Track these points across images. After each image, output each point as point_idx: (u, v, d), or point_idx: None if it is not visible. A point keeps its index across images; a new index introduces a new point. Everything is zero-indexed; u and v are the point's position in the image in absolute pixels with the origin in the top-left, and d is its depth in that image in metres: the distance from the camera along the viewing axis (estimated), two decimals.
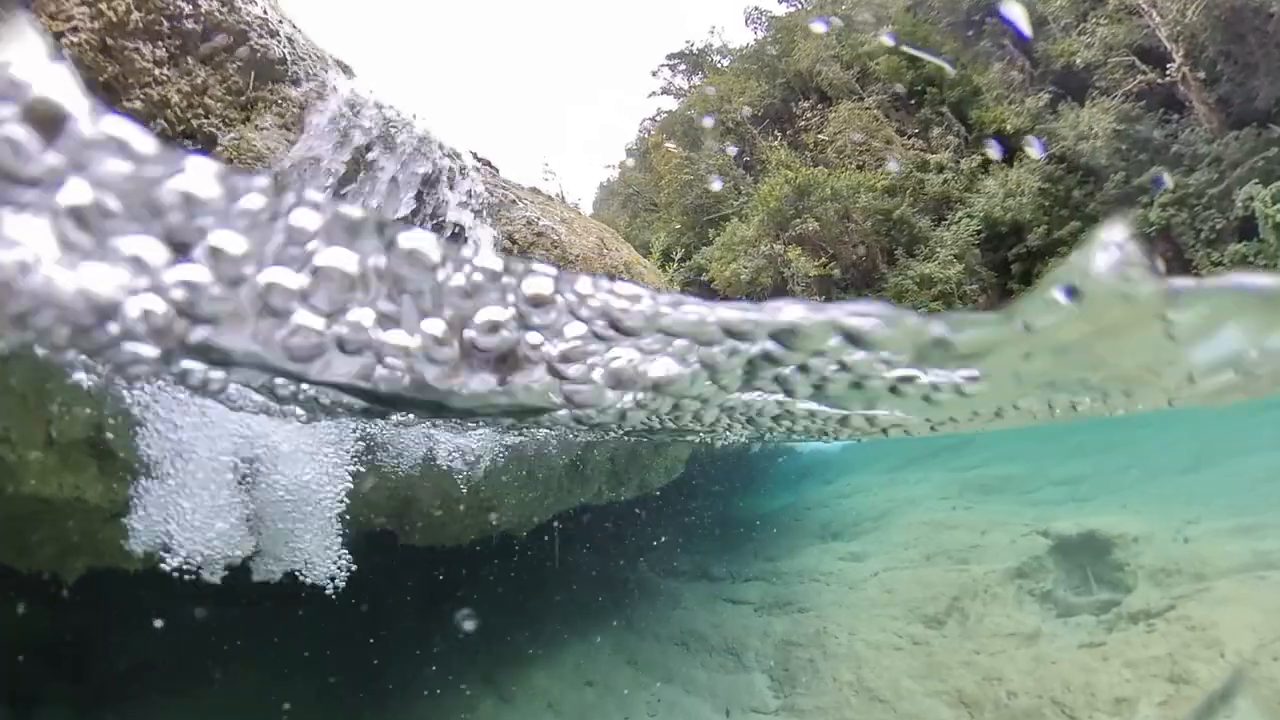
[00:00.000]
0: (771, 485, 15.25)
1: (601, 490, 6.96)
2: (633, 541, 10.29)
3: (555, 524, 7.31)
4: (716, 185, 30.56)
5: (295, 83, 4.51)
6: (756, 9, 35.32)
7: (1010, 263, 26.12)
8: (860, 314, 2.00)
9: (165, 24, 3.85)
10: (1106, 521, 8.65)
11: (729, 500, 13.45)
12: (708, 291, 27.74)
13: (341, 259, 1.60)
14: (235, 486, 3.64)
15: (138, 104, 3.76)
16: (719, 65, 36.82)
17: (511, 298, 1.79)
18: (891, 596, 7.47)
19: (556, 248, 5.52)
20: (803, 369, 2.26)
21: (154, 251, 1.50)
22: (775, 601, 8.23)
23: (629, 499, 7.60)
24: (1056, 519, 9.46)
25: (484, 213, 4.95)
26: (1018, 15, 26.84)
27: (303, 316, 1.69)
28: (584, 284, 1.84)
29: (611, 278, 1.88)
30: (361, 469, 4.26)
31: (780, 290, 25.82)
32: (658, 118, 38.34)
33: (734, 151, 32.12)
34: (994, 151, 25.87)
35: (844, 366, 2.25)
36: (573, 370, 2.09)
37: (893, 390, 2.46)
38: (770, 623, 7.70)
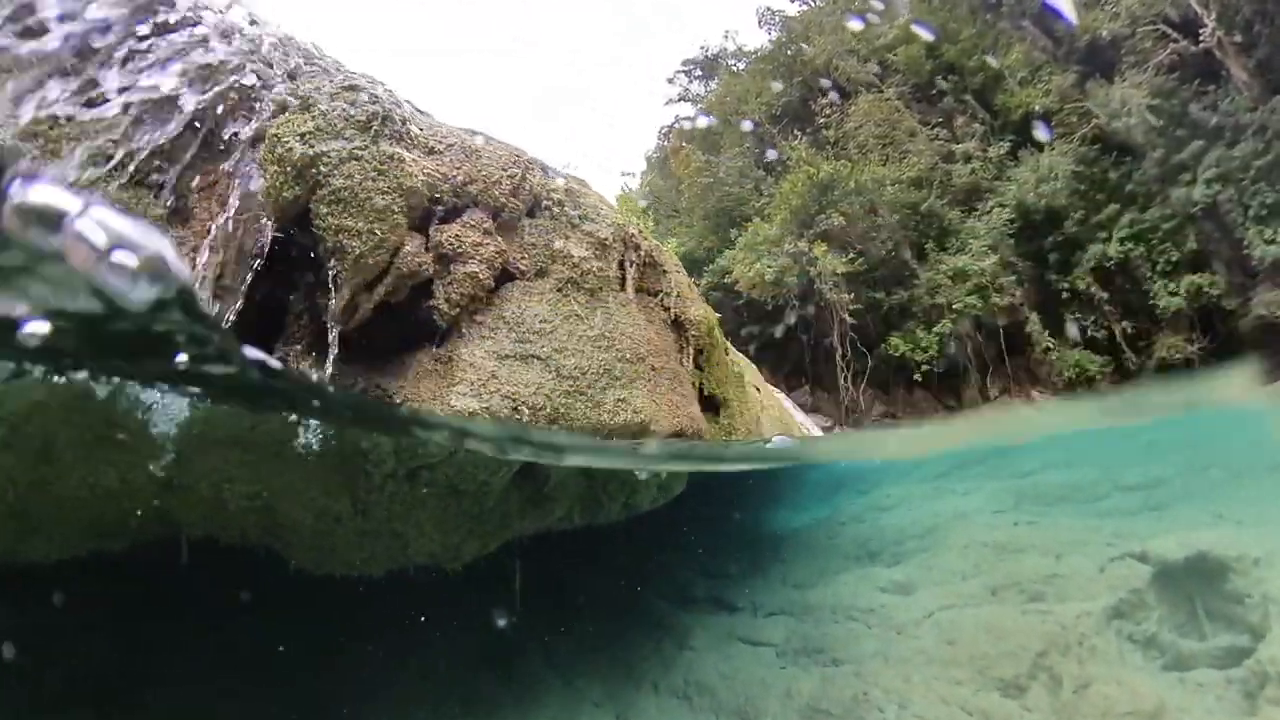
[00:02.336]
0: (802, 498, 13.39)
1: (573, 513, 5.35)
2: (634, 565, 8.64)
3: (518, 550, 5.75)
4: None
5: None
6: (769, 9, 33.56)
7: (1047, 252, 23.75)
8: None
9: None
10: (1211, 538, 6.69)
11: (755, 514, 11.68)
12: (732, 294, 25.92)
13: None
14: None
15: None
16: (735, 69, 35.16)
17: None
18: (953, 650, 5.63)
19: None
20: None
21: None
22: (803, 646, 6.46)
23: (617, 520, 5.96)
24: (1144, 535, 7.51)
25: None
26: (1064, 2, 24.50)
27: None
28: None
29: None
30: None
31: (808, 289, 23.84)
32: (676, 124, 36.83)
33: (773, 156, 30.23)
34: (1041, 133, 23.57)
35: None
36: None
37: None
38: (795, 678, 5.93)
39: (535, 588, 7.48)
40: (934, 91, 28.65)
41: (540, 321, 3.63)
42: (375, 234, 3.21)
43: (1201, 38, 22.62)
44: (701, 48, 36.47)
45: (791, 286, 23.89)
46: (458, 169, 3.65)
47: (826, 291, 23.12)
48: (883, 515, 11.02)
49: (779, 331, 24.64)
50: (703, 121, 34.22)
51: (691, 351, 4.30)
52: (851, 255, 23.17)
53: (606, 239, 3.89)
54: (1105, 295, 21.91)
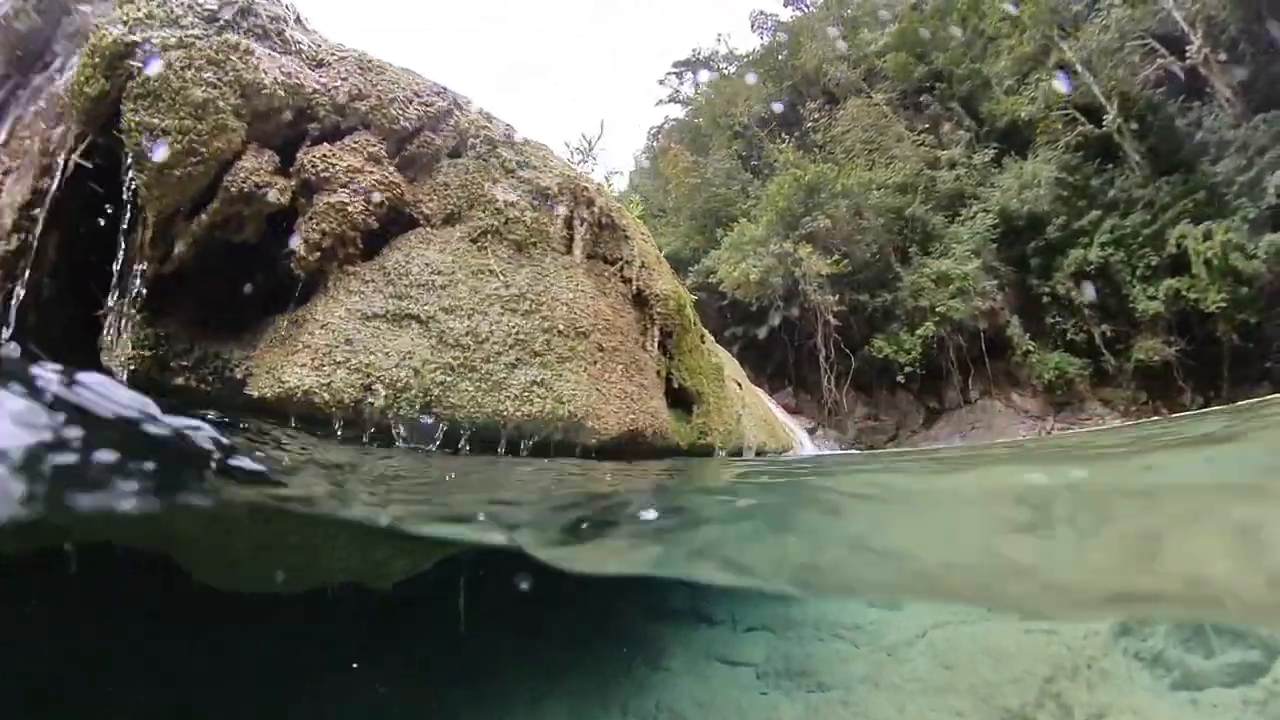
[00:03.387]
0: None
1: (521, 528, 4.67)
2: (605, 576, 7.98)
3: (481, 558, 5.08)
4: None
5: None
6: (762, 13, 33.09)
7: (1029, 257, 23.42)
8: None
9: None
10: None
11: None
12: (717, 295, 25.37)
13: None
14: None
15: None
16: (726, 71, 34.64)
17: None
18: (951, 675, 5.05)
19: None
20: None
21: None
22: (785, 667, 5.86)
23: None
24: None
25: None
26: None
27: None
28: None
29: None
30: None
31: (792, 291, 23.34)
32: (666, 125, 36.28)
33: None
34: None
35: None
36: None
37: None
38: (777, 705, 5.32)
39: (502, 599, 6.82)
40: (921, 98, 28.32)
41: (432, 273, 2.70)
42: (188, 136, 2.31)
43: (1188, 54, 22.41)
44: (693, 50, 35.96)
45: (776, 287, 23.37)
46: (344, 80, 2.76)
47: (811, 293, 22.62)
48: None
49: (763, 333, 24.14)
50: (679, 110, 33.68)
51: (657, 333, 3.53)
52: (837, 257, 22.67)
53: (550, 188, 3.15)
54: (1086, 300, 21.61)
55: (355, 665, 5.94)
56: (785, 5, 33.14)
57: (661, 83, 36.09)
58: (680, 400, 3.92)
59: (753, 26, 33.54)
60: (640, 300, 3.45)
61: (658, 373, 3.50)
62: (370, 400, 2.46)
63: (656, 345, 3.51)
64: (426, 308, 2.70)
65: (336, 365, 2.48)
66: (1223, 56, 22.33)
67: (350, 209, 2.52)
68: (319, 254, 2.51)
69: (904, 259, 24.13)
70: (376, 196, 2.63)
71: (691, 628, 7.48)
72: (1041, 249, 22.85)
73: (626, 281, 3.39)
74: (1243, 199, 20.73)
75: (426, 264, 2.73)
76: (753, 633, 6.68)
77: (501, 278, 2.81)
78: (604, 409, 2.94)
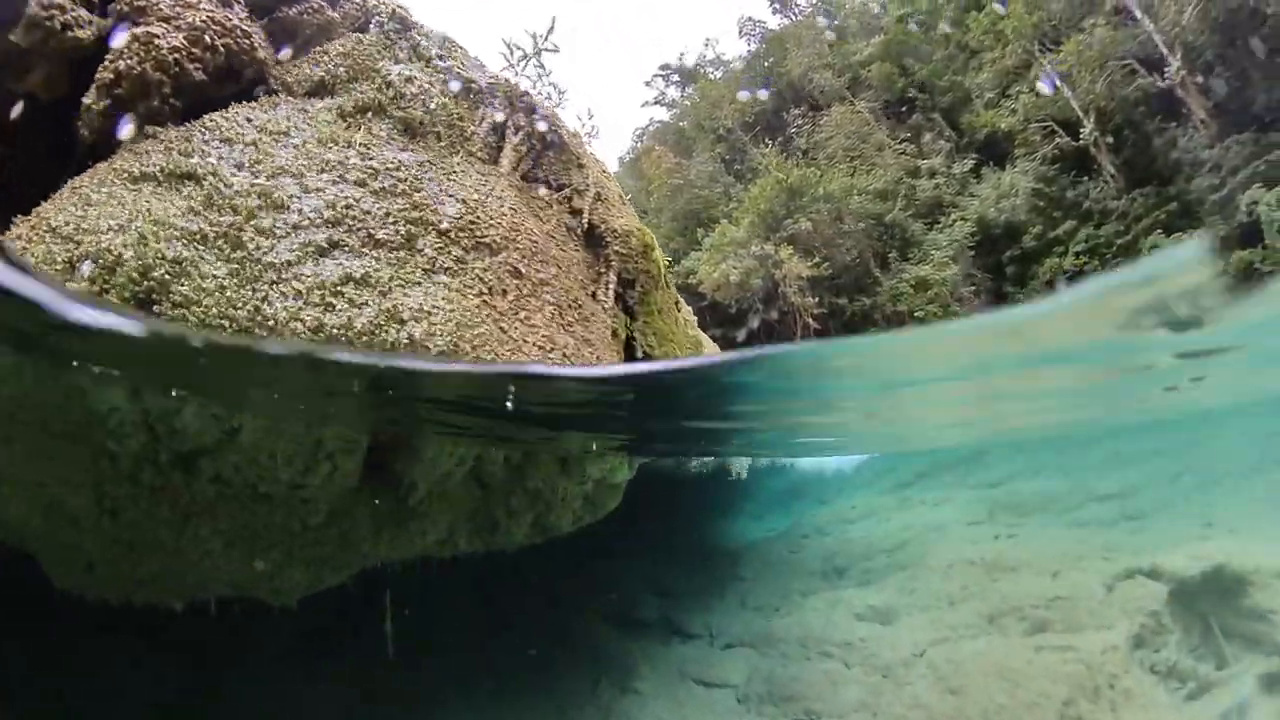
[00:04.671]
0: (759, 507, 12.10)
1: (457, 535, 3.80)
2: (575, 580, 7.20)
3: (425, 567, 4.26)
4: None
5: None
6: (750, 19, 32.63)
7: (1005, 265, 23.17)
8: None
9: None
10: (1223, 550, 5.63)
11: (710, 524, 10.34)
12: (696, 295, 24.74)
13: None
14: None
15: None
16: (712, 76, 34.10)
17: None
18: (959, 701, 4.32)
19: None
20: None
21: None
22: (768, 691, 5.09)
23: (528, 544, 4.45)
24: (1137, 548, 6.44)
25: None
26: None
27: None
28: None
29: None
30: None
31: (772, 293, 22.80)
32: (651, 127, 35.61)
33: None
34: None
35: None
36: None
37: None
38: None
39: (443, 615, 5.96)
40: (903, 108, 28.10)
41: (265, 137, 1.87)
42: None
43: (1167, 75, 22.39)
44: (680, 54, 35.37)
45: (756, 289, 22.83)
46: None
47: (791, 295, 22.06)
48: (849, 528, 9.78)
49: (741, 335, 23.51)
50: (664, 113, 33.07)
51: (613, 279, 2.74)
52: (817, 260, 22.19)
53: (478, 85, 2.40)
54: None
55: (260, 699, 5.04)
56: (774, 13, 32.72)
57: (648, 84, 35.48)
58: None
59: (740, 33, 33.05)
60: (594, 238, 2.66)
61: (614, 331, 2.71)
62: (102, 289, 1.62)
63: (613, 295, 2.71)
64: (212, 162, 1.83)
65: (50, 233, 1.65)
66: (1199, 79, 22.33)
67: (160, 44, 1.73)
68: (109, 103, 1.69)
69: (883, 264, 23.74)
70: (209, 40, 1.81)
71: (663, 642, 6.70)
72: (1018, 257, 22.64)
73: (575, 213, 2.61)
74: (1215, 216, 20.69)
75: (250, 119, 1.88)
76: (732, 650, 5.92)
77: (364, 150, 1.97)
78: (503, 353, 2.10)
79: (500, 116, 2.43)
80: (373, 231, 1.94)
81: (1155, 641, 5.03)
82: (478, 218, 2.17)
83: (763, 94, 29.54)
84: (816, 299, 22.23)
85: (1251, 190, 20.54)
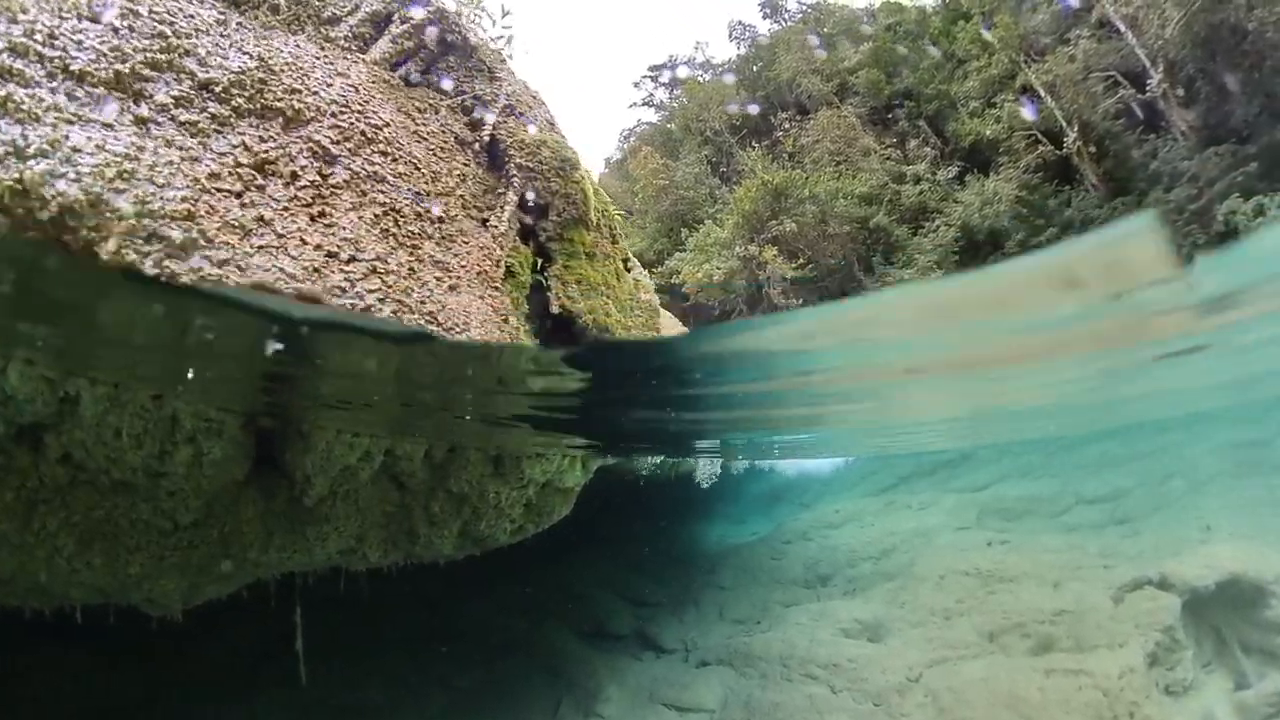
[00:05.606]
0: (739, 510, 11.53)
1: (367, 545, 3.15)
2: (540, 589, 6.57)
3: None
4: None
5: None
6: (740, 23, 32.28)
7: None
8: None
9: None
10: (1235, 556, 5.17)
11: (688, 528, 9.75)
12: (679, 296, 24.26)
13: None
14: None
15: None
16: (702, 79, 33.65)
17: None
18: None
19: None
20: None
21: None
22: (746, 718, 4.51)
23: (456, 557, 3.83)
24: (1132, 554, 5.99)
25: None
26: None
27: None
28: None
29: None
30: None
31: (756, 294, 22.36)
32: (638, 128, 35.08)
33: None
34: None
35: None
36: None
37: None
38: None
39: (403, 621, 5.31)
40: (890, 115, 27.90)
41: None
42: None
43: (1148, 88, 22.37)
44: (670, 56, 34.90)
45: (739, 291, 22.37)
46: None
47: (775, 296, 21.61)
48: (832, 533, 9.24)
49: None
50: (652, 115, 32.53)
51: (513, 201, 2.09)
52: (802, 261, 21.78)
53: None
54: None
55: (197, 714, 4.38)
56: (764, 18, 32.40)
57: (637, 85, 34.96)
58: (564, 336, 2.47)
59: (730, 36, 32.67)
60: (495, 157, 2.05)
61: (508, 270, 2.07)
62: None
63: (508, 221, 2.08)
64: None
65: None
66: (1180, 93, 22.31)
67: None
68: None
69: (867, 268, 23.41)
70: None
71: (636, 656, 6.08)
72: (1001, 262, 22.42)
73: (475, 127, 2.00)
74: (1193, 226, 20.60)
75: None
76: (708, 668, 5.31)
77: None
78: (232, 243, 1.47)
79: (378, 4, 1.85)
80: (70, 63, 1.36)
81: (1170, 659, 4.52)
82: (278, 80, 1.59)
83: (753, 109, 29.14)
84: (800, 301, 21.79)
85: (1229, 201, 20.54)
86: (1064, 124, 22.61)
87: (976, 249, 23.03)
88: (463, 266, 1.92)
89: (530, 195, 2.12)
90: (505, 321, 1.95)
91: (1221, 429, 10.45)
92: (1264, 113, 21.31)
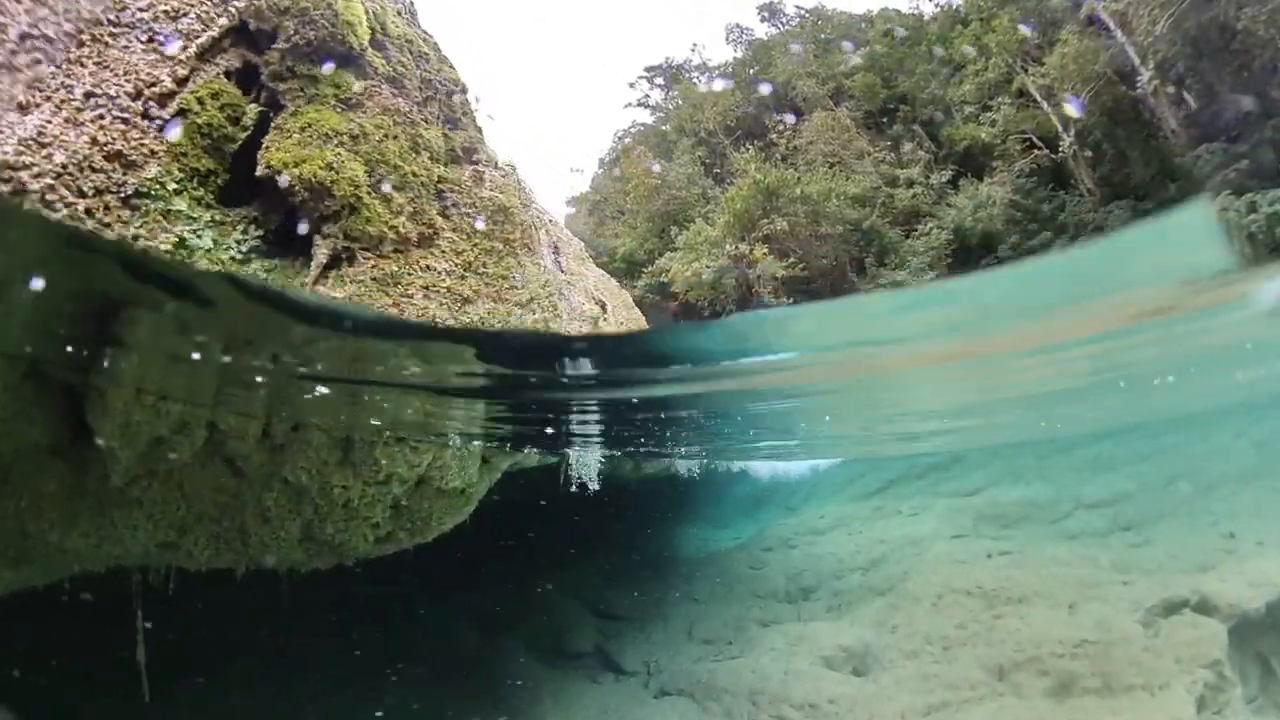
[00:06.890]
0: (722, 514, 10.73)
1: (187, 543, 2.36)
2: (503, 595, 5.78)
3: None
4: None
5: None
6: (737, 25, 31.66)
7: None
8: None
9: None
10: (1273, 571, 4.41)
11: (665, 530, 8.96)
12: (668, 295, 23.60)
13: None
14: None
15: None
16: (695, 81, 32.96)
17: None
18: None
19: None
20: None
21: None
22: None
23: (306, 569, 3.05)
24: (1148, 567, 5.22)
25: None
26: None
27: None
28: None
29: None
30: None
31: (746, 293, 21.62)
32: (632, 128, 34.36)
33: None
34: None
35: None
36: None
37: None
38: None
39: (336, 622, 4.51)
40: (884, 119, 27.30)
41: None
42: None
43: (1139, 85, 21.77)
44: (666, 57, 34.27)
45: (729, 290, 21.63)
46: None
47: (765, 296, 20.88)
48: (817, 540, 8.46)
49: None
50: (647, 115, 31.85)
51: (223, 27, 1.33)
52: (793, 260, 21.09)
53: None
54: None
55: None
56: (762, 21, 31.80)
57: (632, 86, 34.27)
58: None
59: (727, 38, 32.04)
60: None
61: (182, 111, 1.42)
62: None
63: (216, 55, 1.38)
64: None
65: None
66: (1170, 90, 21.74)
67: None
68: None
69: (860, 269, 22.73)
70: None
71: (591, 679, 5.27)
72: (993, 266, 21.76)
73: None
74: None
75: None
76: (667, 699, 4.53)
77: None
78: None
79: None
80: None
81: (1216, 700, 3.75)
82: None
83: (759, 89, 28.39)
84: (791, 300, 21.06)
85: (1221, 198, 19.96)
86: (1060, 127, 22.00)
87: (969, 253, 22.39)
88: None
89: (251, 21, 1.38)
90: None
91: (1221, 429, 9.74)
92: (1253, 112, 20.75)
